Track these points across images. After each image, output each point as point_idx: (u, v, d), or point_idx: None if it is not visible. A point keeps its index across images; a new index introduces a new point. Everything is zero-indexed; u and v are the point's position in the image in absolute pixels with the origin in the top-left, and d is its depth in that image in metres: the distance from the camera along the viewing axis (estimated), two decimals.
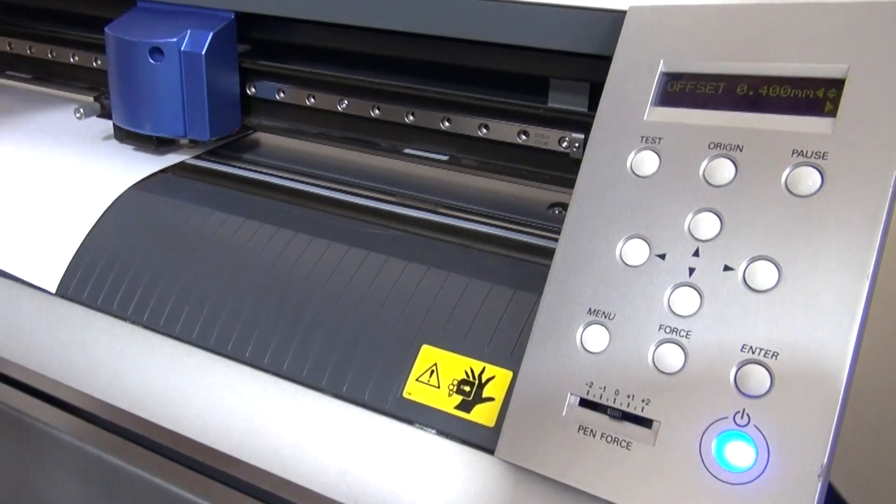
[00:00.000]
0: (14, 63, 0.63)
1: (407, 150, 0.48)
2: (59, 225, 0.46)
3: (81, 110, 0.52)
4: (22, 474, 0.52)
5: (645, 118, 0.33)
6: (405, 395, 0.35)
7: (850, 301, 0.27)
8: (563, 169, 0.43)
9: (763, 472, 0.27)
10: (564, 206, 0.45)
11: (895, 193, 0.27)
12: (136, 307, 0.42)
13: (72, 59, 0.58)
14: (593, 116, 0.40)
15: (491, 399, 0.34)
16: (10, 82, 0.63)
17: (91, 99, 0.53)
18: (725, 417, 0.28)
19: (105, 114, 0.53)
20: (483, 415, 0.34)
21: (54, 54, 0.59)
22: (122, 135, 0.52)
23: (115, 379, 0.43)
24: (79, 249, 0.45)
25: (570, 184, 0.43)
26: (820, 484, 0.26)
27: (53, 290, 0.44)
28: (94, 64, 0.57)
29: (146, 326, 0.42)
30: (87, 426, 0.46)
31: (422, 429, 0.35)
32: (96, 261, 0.44)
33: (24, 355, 0.45)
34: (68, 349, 0.44)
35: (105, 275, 0.43)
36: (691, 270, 0.30)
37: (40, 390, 0.47)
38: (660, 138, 0.32)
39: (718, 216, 0.30)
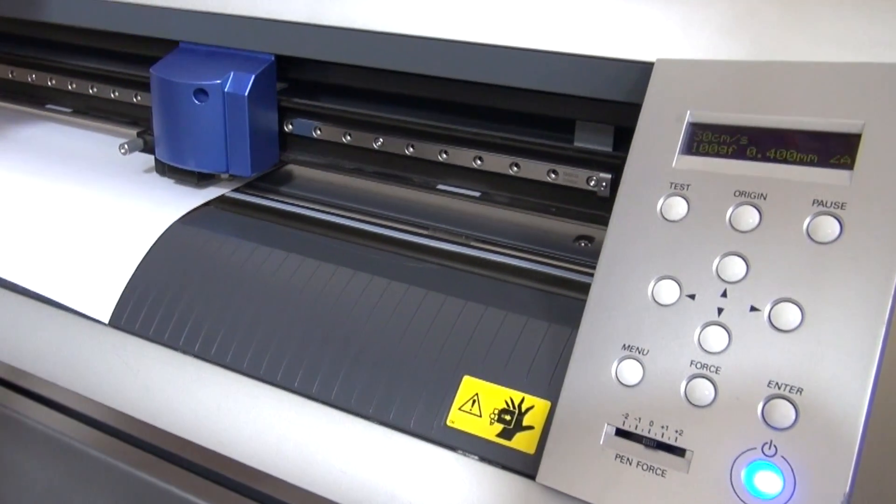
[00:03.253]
0: (55, 97, 0.65)
1: (440, 187, 0.50)
2: (111, 258, 0.48)
3: (126, 146, 0.55)
4: (70, 498, 0.54)
5: (673, 165, 0.35)
6: (448, 423, 0.38)
7: (869, 341, 0.29)
8: (591, 206, 0.45)
9: (790, 499, 0.29)
10: (590, 239, 0.47)
11: None
12: (187, 337, 0.44)
13: (112, 95, 0.60)
14: (618, 157, 0.43)
15: (531, 427, 0.36)
16: (51, 114, 0.66)
17: (134, 134, 0.56)
18: (754, 448, 0.30)
19: (147, 149, 0.56)
20: (523, 442, 0.36)
21: (95, 90, 0.61)
22: (163, 168, 0.55)
23: (167, 406, 0.45)
24: (130, 281, 0.47)
25: (596, 219, 0.46)
26: None
27: (106, 321, 0.47)
28: (134, 100, 0.60)
29: (197, 356, 0.44)
30: (139, 453, 0.48)
31: (465, 455, 0.37)
32: (147, 292, 0.46)
33: (78, 383, 0.48)
34: (121, 377, 0.46)
35: (156, 306, 0.46)
36: (720, 310, 0.32)
37: (92, 417, 0.50)
38: (688, 185, 0.35)
39: (745, 260, 0.32)
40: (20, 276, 0.50)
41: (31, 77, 0.64)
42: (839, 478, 0.29)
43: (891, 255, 0.30)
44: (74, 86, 0.62)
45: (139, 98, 0.59)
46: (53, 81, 0.63)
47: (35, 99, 0.67)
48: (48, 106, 0.66)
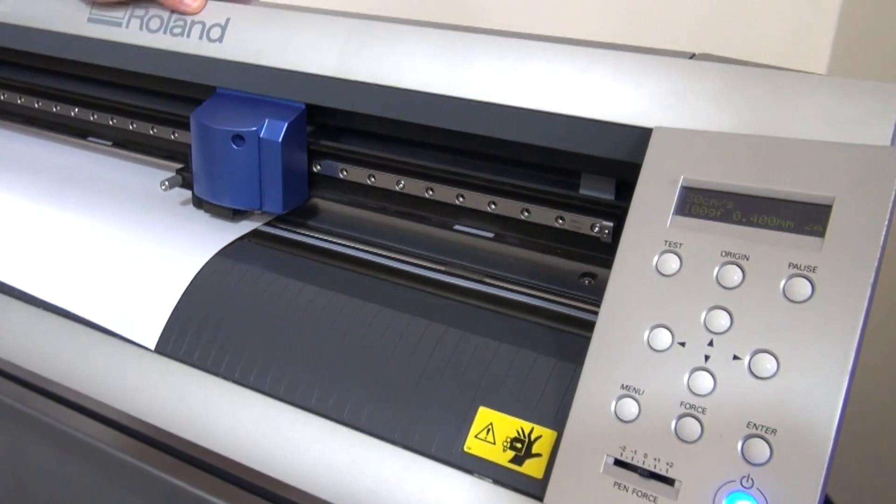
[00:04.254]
0: (96, 130, 0.70)
1: (456, 227, 0.55)
2: (156, 289, 0.53)
3: (167, 183, 0.59)
4: (101, 498, 0.59)
5: (668, 225, 0.40)
6: (465, 449, 0.42)
7: (834, 389, 0.34)
8: (594, 249, 0.50)
9: None
10: (593, 276, 0.52)
11: (870, 301, 0.34)
12: (228, 364, 0.49)
13: (151, 132, 0.65)
14: (619, 206, 0.48)
15: (539, 455, 0.41)
16: (93, 145, 0.71)
17: (174, 172, 0.61)
18: (734, 480, 0.35)
19: (185, 184, 0.61)
20: (532, 468, 0.41)
21: (135, 126, 0.66)
22: (199, 203, 0.60)
23: (209, 425, 0.50)
24: (174, 311, 0.52)
25: (599, 261, 0.51)
26: None
27: (153, 348, 0.51)
28: (172, 136, 0.64)
29: (237, 382, 0.49)
30: (186, 466, 0.53)
31: (481, 478, 0.42)
32: (190, 322, 0.51)
33: (125, 404, 0.52)
34: (168, 399, 0.51)
35: (199, 334, 0.51)
36: (706, 357, 0.37)
37: (128, 426, 0.55)
38: (680, 244, 0.39)
39: (729, 313, 0.37)
40: (73, 304, 0.54)
41: (74, 112, 0.69)
42: None
43: (855, 314, 0.34)
44: (115, 121, 0.67)
45: (176, 135, 0.64)
46: (95, 116, 0.68)
47: (77, 132, 0.72)
48: (89, 138, 0.71)
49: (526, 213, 0.51)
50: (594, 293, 0.49)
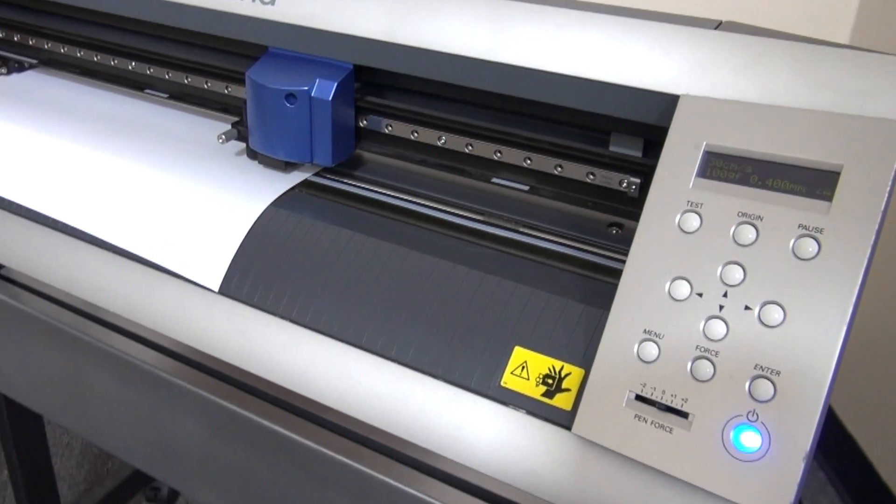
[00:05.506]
0: (153, 83, 0.74)
1: (494, 180, 0.59)
2: (218, 235, 0.58)
3: (224, 136, 0.64)
4: (160, 419, 0.65)
5: (690, 186, 0.44)
6: (502, 384, 0.47)
7: (833, 338, 0.38)
8: (622, 203, 0.54)
9: (766, 454, 0.39)
10: (620, 226, 0.56)
11: (870, 261, 0.38)
12: (285, 305, 0.54)
13: (205, 86, 0.69)
14: (647, 163, 0.51)
15: (568, 390, 0.46)
16: (150, 97, 0.75)
17: (230, 126, 0.65)
18: (741, 415, 0.39)
19: (240, 137, 0.65)
20: (562, 401, 0.46)
21: (189, 80, 0.70)
22: (253, 154, 0.64)
23: (268, 360, 0.55)
24: (235, 255, 0.57)
25: (626, 213, 0.55)
26: (804, 463, 0.38)
27: (216, 289, 0.57)
28: (225, 91, 0.68)
29: (294, 321, 0.54)
30: (243, 394, 0.59)
31: (515, 409, 0.47)
32: (250, 266, 0.56)
33: (192, 339, 0.58)
34: (231, 336, 0.56)
35: (258, 278, 0.56)
36: (721, 307, 0.41)
37: (206, 365, 0.61)
38: (701, 204, 0.43)
39: (742, 268, 0.41)
40: (144, 249, 0.60)
41: (131, 66, 0.73)
42: (803, 440, 0.38)
43: (855, 271, 0.38)
44: (170, 75, 0.71)
45: (229, 90, 0.68)
46: (151, 70, 0.72)
47: (135, 84, 0.76)
48: (147, 90, 0.75)
49: (559, 169, 0.55)
50: (621, 242, 0.54)
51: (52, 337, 0.77)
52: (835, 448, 1.52)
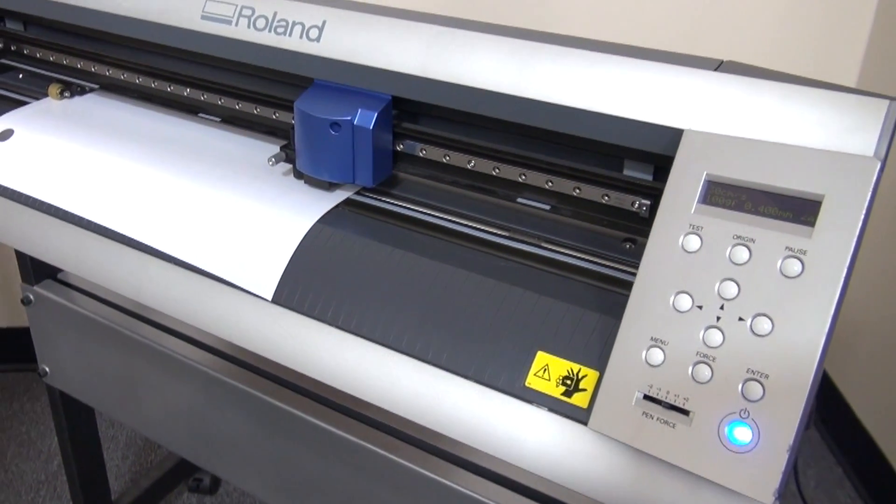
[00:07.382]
0: (206, 108, 0.81)
1: (518, 200, 0.65)
2: (271, 250, 0.65)
3: (273, 159, 0.71)
4: (207, 416, 0.72)
5: (692, 211, 0.50)
6: (526, 384, 0.54)
7: (814, 346, 0.44)
8: (634, 221, 0.60)
9: (756, 447, 0.44)
10: (633, 241, 0.62)
11: (847, 279, 0.44)
12: (332, 313, 0.61)
13: (255, 111, 0.76)
14: (656, 187, 0.57)
15: (585, 390, 0.52)
16: (203, 120, 0.82)
17: (278, 149, 0.72)
18: (734, 412, 0.45)
19: (287, 160, 0.72)
20: (579, 399, 0.52)
21: (240, 106, 0.77)
22: (299, 174, 0.71)
23: (317, 362, 0.62)
24: (287, 267, 0.64)
25: (637, 231, 0.61)
26: (788, 455, 0.44)
27: (270, 298, 0.63)
28: (273, 116, 0.75)
29: (340, 328, 0.61)
30: (291, 393, 0.65)
31: (538, 407, 0.53)
32: (300, 277, 0.63)
33: (247, 343, 0.65)
34: (285, 341, 0.63)
35: (308, 288, 0.62)
36: (718, 318, 0.47)
37: (257, 366, 0.67)
38: (701, 227, 0.49)
39: (737, 284, 0.47)
40: (204, 262, 0.66)
41: (186, 91, 0.80)
42: (787, 435, 0.44)
43: (833, 288, 0.44)
44: (223, 101, 0.78)
45: (277, 115, 0.75)
46: (205, 97, 0.79)
47: (189, 108, 0.83)
48: (200, 114, 0.82)
49: (577, 191, 0.61)
50: (634, 256, 0.60)
51: (109, 338, 0.84)
52: (852, 444, 1.57)
